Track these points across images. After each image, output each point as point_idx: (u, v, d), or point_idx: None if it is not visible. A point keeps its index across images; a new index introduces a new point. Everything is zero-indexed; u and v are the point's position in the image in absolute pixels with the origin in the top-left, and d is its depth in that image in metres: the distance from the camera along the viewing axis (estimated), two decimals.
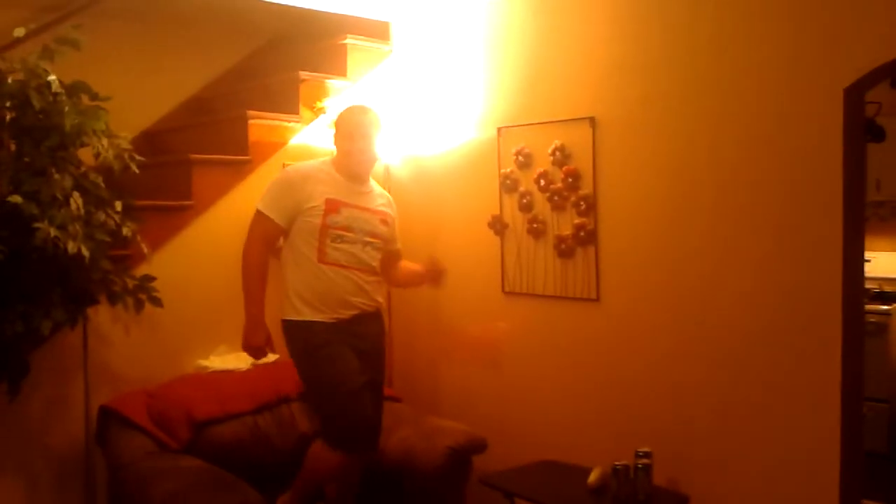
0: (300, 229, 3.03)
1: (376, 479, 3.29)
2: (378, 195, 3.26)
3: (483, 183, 3.89)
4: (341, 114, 3.20)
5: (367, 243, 3.09)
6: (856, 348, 2.88)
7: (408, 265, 3.46)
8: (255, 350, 3.07)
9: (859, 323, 2.93)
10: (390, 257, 3.32)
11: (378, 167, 3.98)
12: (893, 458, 4.92)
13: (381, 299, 3.22)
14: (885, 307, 5.11)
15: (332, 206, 3.03)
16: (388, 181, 4.01)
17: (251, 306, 3.02)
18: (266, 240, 3.05)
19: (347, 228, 3.04)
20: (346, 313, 3.04)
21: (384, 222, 3.19)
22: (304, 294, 3.02)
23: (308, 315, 3.01)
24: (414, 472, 3.27)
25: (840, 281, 2.79)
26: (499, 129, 3.81)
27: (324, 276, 3.01)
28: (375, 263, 3.14)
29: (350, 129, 3.12)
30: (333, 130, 3.21)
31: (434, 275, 3.48)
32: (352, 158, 3.12)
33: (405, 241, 4.12)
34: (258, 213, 3.06)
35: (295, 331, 3.04)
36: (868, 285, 4.22)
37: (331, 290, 3.01)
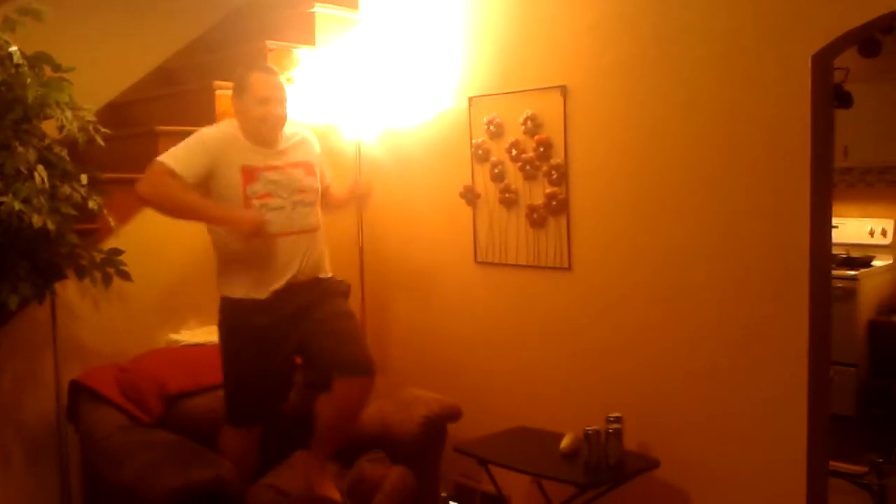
0: (221, 200, 2.85)
1: (353, 448, 3.30)
2: (293, 145, 2.99)
3: (455, 153, 3.88)
4: (247, 76, 2.89)
5: (296, 203, 2.92)
6: (823, 313, 2.92)
7: (336, 190, 3.28)
8: (252, 226, 2.75)
9: (826, 288, 2.97)
10: (325, 195, 3.18)
11: (348, 141, 3.96)
12: (860, 421, 5.03)
13: (323, 266, 3.05)
14: (852, 272, 5.19)
15: (248, 175, 2.84)
16: (358, 154, 3.98)
17: (202, 210, 2.79)
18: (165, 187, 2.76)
19: (270, 194, 2.87)
20: (277, 285, 2.89)
21: (310, 172, 3.00)
22: (233, 268, 2.92)
23: (238, 293, 2.91)
24: (390, 442, 3.28)
25: (808, 247, 2.82)
26: (470, 99, 3.79)
27: (254, 251, 2.85)
28: (312, 220, 2.98)
29: (264, 93, 2.85)
30: (234, 94, 2.93)
31: (359, 194, 3.35)
32: (266, 125, 2.87)
33: (378, 212, 4.11)
34: (159, 165, 2.75)
35: (225, 307, 2.97)
36: (835, 251, 4.28)
37: (262, 263, 2.88)
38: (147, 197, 2.78)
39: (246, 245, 2.82)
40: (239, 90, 2.92)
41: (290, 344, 2.98)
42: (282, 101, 2.91)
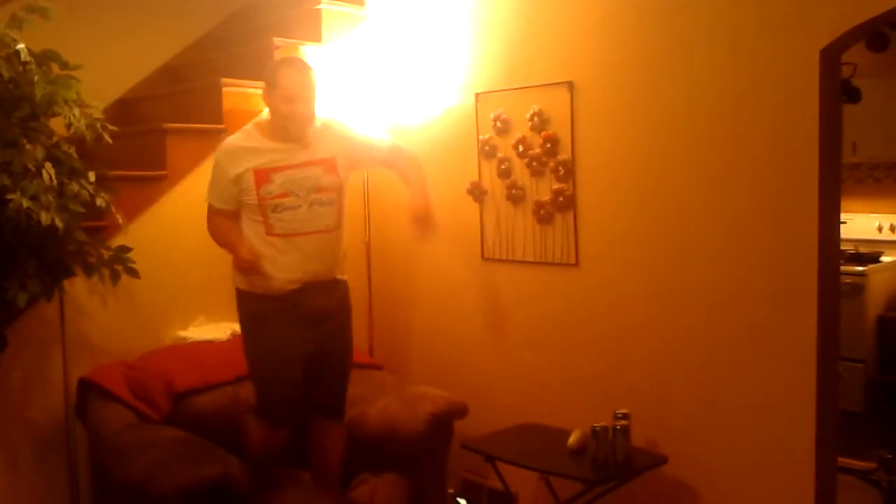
0: (243, 206, 2.93)
1: (359, 447, 3.30)
2: (316, 140, 2.97)
3: (461, 150, 3.87)
4: (276, 70, 2.92)
5: (313, 202, 2.91)
6: (832, 309, 2.91)
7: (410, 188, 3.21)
8: (246, 264, 2.90)
9: (835, 284, 2.96)
10: (390, 160, 3.24)
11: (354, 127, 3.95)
12: (868, 417, 5.01)
13: (340, 266, 3.08)
14: (861, 268, 5.17)
15: (261, 177, 2.86)
16: None
17: (230, 245, 2.98)
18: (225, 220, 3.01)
19: (285, 194, 2.87)
20: (292, 285, 2.93)
21: (331, 169, 2.96)
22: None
23: (253, 287, 2.96)
24: (397, 439, 3.29)
25: (816, 242, 2.81)
26: (477, 95, 3.79)
27: (272, 249, 2.90)
28: (330, 219, 2.96)
29: (292, 92, 2.85)
30: (265, 89, 2.95)
31: (420, 218, 3.13)
32: (292, 123, 2.88)
33: (384, 209, 4.11)
34: (209, 207, 3.02)
35: (240, 299, 3.02)
36: (844, 247, 4.25)
37: (277, 260, 2.90)
38: (211, 235, 3.04)
39: (244, 275, 2.96)
40: (269, 85, 2.92)
41: (310, 344, 2.99)
42: (308, 100, 2.89)
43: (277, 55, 3.89)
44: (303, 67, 2.94)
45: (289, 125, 2.89)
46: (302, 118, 2.89)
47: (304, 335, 2.98)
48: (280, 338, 2.96)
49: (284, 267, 2.92)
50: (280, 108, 2.88)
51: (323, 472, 3.20)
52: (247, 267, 2.90)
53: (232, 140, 3.02)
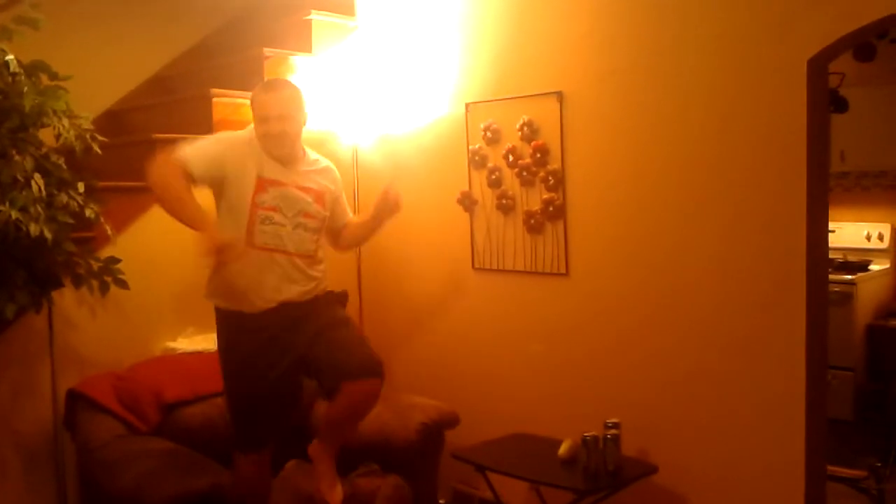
0: (230, 207, 2.83)
1: (350, 456, 3.29)
2: (314, 172, 2.96)
3: (451, 159, 3.88)
4: (252, 93, 2.89)
5: (298, 224, 2.86)
6: (820, 318, 2.92)
7: (356, 218, 3.18)
8: (215, 250, 2.53)
9: (824, 293, 2.97)
10: (344, 230, 3.13)
11: (345, 147, 3.95)
12: (858, 425, 5.02)
13: (315, 290, 2.94)
14: (849, 277, 5.19)
15: (260, 185, 2.80)
16: (355, 160, 3.98)
17: (188, 210, 2.63)
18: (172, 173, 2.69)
19: (275, 208, 2.82)
20: (267, 304, 2.83)
21: (319, 200, 2.92)
22: (226, 279, 2.82)
23: (227, 304, 2.87)
24: (388, 448, 3.29)
25: (804, 251, 2.83)
26: (467, 105, 3.80)
27: (249, 262, 2.76)
28: (310, 246, 2.90)
29: (262, 112, 2.81)
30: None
31: (388, 204, 3.04)
32: (268, 142, 2.82)
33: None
34: (176, 154, 2.73)
35: (218, 318, 2.93)
36: (832, 255, 4.28)
37: (254, 277, 2.80)
38: (151, 180, 2.70)
39: (201, 259, 2.59)
40: (250, 106, 2.90)
41: (289, 358, 2.89)
42: (282, 119, 2.81)
43: (267, 65, 3.90)
44: (276, 88, 2.88)
45: (266, 144, 2.84)
46: (275, 138, 2.82)
47: (284, 346, 2.87)
48: (253, 366, 2.87)
49: (262, 286, 2.82)
50: (257, 129, 2.85)
51: (337, 434, 2.99)
52: (213, 251, 2.54)
53: (239, 137, 2.93)
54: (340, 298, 3.13)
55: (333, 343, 2.90)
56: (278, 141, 2.83)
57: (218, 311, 2.93)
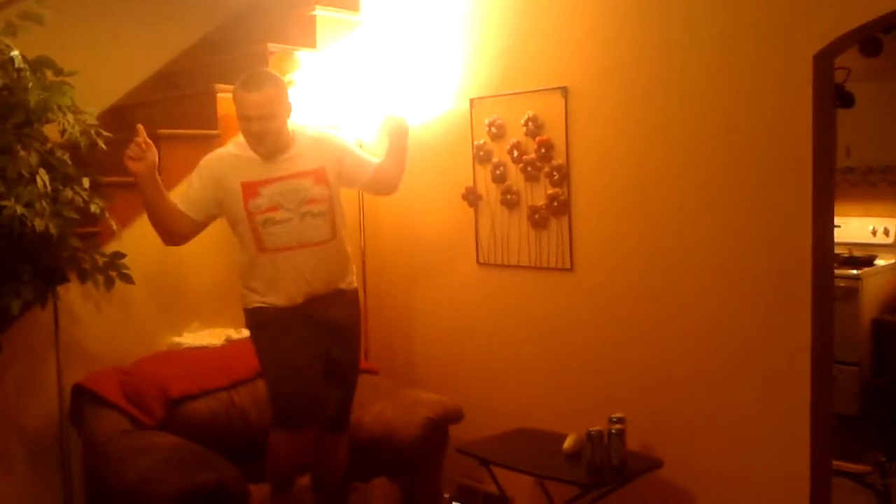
0: (234, 221, 2.89)
1: (355, 452, 3.30)
2: (299, 153, 2.91)
3: (456, 155, 3.88)
4: (234, 86, 2.85)
5: (304, 214, 2.86)
6: (826, 313, 2.92)
7: (382, 160, 3.10)
8: (130, 161, 2.73)
9: (829, 287, 2.97)
10: (377, 174, 3.07)
11: (351, 142, 3.95)
12: (863, 420, 5.01)
13: (344, 276, 3.04)
14: (855, 272, 5.18)
15: (249, 190, 2.82)
16: None
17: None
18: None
19: (275, 207, 2.83)
20: (296, 299, 2.91)
21: (320, 179, 2.90)
22: (250, 283, 2.92)
23: (258, 302, 2.92)
24: (392, 444, 3.29)
25: (810, 246, 2.82)
26: (471, 101, 3.79)
27: (267, 266, 2.87)
28: (324, 231, 2.91)
29: (242, 111, 2.80)
30: None
31: (395, 126, 3.05)
32: (250, 140, 2.83)
33: (379, 214, 4.11)
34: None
35: (248, 316, 2.97)
36: (838, 250, 4.28)
37: (275, 278, 2.88)
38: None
39: (132, 173, 2.76)
40: (233, 101, 2.89)
41: (322, 347, 2.96)
42: (262, 118, 2.78)
43: (272, 61, 3.89)
44: (255, 87, 2.80)
45: (249, 142, 2.85)
46: (256, 136, 2.81)
47: (314, 338, 2.93)
48: (291, 339, 2.89)
49: (283, 288, 2.88)
50: (239, 125, 2.85)
51: (326, 482, 3.17)
52: (134, 156, 2.71)
53: (220, 151, 3.00)
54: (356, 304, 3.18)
55: (332, 384, 3.03)
56: (260, 139, 2.83)
57: (248, 310, 2.97)
